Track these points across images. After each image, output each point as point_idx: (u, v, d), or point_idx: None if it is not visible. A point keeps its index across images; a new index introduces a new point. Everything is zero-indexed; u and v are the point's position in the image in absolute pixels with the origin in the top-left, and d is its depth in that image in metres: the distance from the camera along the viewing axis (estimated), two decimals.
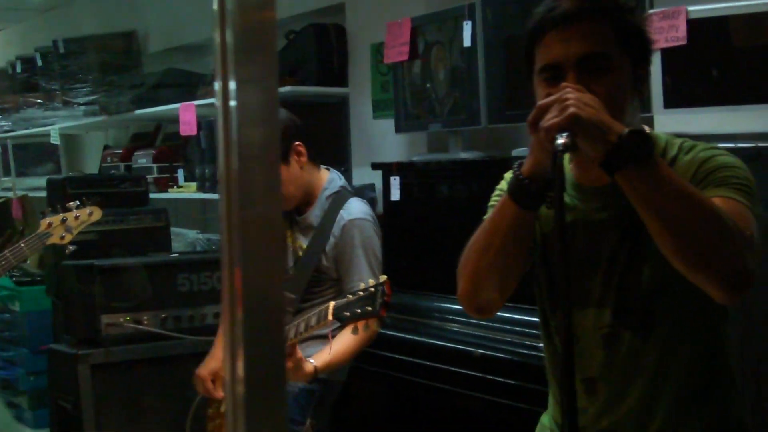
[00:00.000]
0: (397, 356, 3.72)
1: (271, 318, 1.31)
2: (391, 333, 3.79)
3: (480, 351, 3.37)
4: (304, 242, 3.35)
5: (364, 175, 4.71)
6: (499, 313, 3.38)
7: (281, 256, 1.34)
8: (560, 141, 1.75)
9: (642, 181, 1.80)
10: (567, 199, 2.03)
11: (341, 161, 5.01)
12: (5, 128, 8.12)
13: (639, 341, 1.98)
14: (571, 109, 1.77)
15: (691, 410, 2.00)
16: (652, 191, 1.80)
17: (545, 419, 2.24)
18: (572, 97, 1.79)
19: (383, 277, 2.68)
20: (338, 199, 3.34)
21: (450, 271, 2.11)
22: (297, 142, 3.26)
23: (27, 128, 7.84)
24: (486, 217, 2.10)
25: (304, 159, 3.28)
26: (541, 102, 1.84)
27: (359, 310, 2.65)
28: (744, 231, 1.80)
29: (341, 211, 3.30)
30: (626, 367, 2.00)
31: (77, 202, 3.66)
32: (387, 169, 4.20)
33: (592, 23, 1.93)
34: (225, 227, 1.34)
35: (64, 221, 3.53)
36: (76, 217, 3.58)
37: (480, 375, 3.34)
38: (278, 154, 1.34)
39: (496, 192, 2.19)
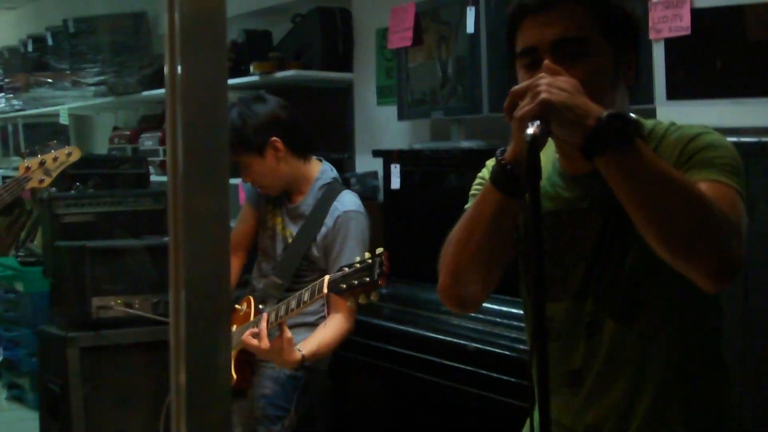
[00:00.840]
0: (394, 348, 3.68)
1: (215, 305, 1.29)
2: (389, 324, 3.75)
3: (474, 345, 3.33)
4: (293, 230, 3.35)
5: (367, 163, 4.67)
6: (500, 307, 3.41)
7: (225, 244, 1.30)
8: (530, 131, 1.68)
9: (623, 167, 1.74)
10: (551, 188, 1.99)
11: (345, 148, 4.98)
12: (16, 107, 8.11)
13: (623, 330, 1.93)
14: (543, 95, 1.71)
15: (676, 402, 1.94)
16: (633, 177, 1.74)
17: (536, 416, 2.18)
18: (544, 82, 1.73)
19: (380, 250, 2.66)
20: (331, 190, 3.34)
21: None
22: (274, 137, 3.26)
23: (37, 108, 7.82)
24: (467, 206, 2.04)
25: (281, 153, 3.28)
26: (514, 88, 1.78)
27: (356, 281, 2.65)
28: (730, 216, 1.76)
29: (335, 202, 3.30)
30: (610, 357, 1.95)
31: (55, 141, 3.55)
32: (387, 157, 4.15)
33: (570, 8, 1.88)
34: (171, 213, 1.30)
35: (42, 164, 3.44)
36: (55, 159, 3.49)
37: (474, 369, 3.30)
38: (225, 142, 1.32)
39: (477, 180, 2.14)
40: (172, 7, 1.25)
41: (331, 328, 3.12)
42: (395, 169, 4.08)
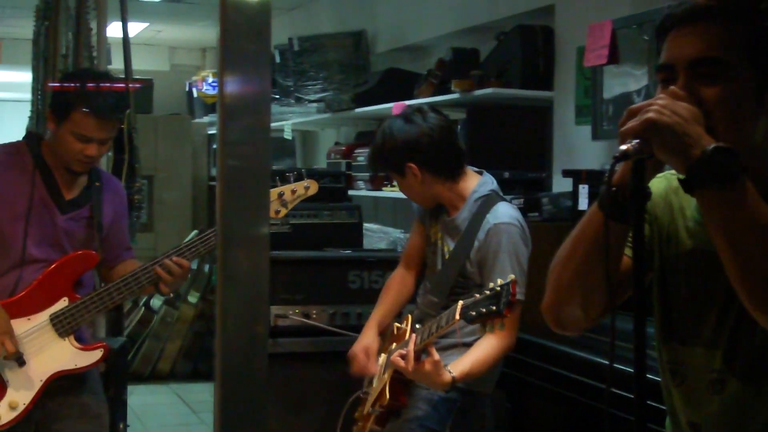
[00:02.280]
0: (575, 375, 3.57)
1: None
2: (570, 350, 3.65)
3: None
4: (450, 244, 3.33)
5: (566, 183, 4.62)
6: None
7: (265, 247, 1.36)
8: (623, 147, 1.63)
9: (721, 205, 1.64)
10: (691, 223, 1.90)
11: (542, 167, 4.95)
12: None
13: (749, 394, 1.81)
14: (650, 114, 1.63)
15: None
16: (730, 218, 1.64)
17: None
18: (660, 103, 1.65)
19: (511, 277, 2.63)
20: (486, 203, 3.28)
21: None
22: (409, 163, 3.27)
23: None
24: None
25: (419, 178, 3.28)
26: (631, 106, 1.71)
27: (484, 309, 2.62)
28: None
29: (487, 215, 3.24)
30: (731, 419, 1.84)
31: (295, 173, 3.59)
32: (576, 177, 4.10)
33: (716, 24, 1.76)
34: (218, 216, 1.36)
35: (280, 195, 3.48)
36: (293, 191, 3.53)
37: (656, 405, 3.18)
38: (265, 148, 1.36)
39: None
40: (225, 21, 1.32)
41: (484, 348, 3.07)
42: (583, 190, 4.02)
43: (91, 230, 3.39)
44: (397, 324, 3.35)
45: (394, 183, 5.82)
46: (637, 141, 1.64)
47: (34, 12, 6.39)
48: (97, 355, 3.35)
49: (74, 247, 3.35)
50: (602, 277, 1.80)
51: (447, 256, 3.32)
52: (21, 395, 3.25)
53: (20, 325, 3.24)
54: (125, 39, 4.92)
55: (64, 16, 5.35)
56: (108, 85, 3.40)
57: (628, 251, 1.85)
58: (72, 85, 3.35)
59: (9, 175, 3.30)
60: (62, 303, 3.29)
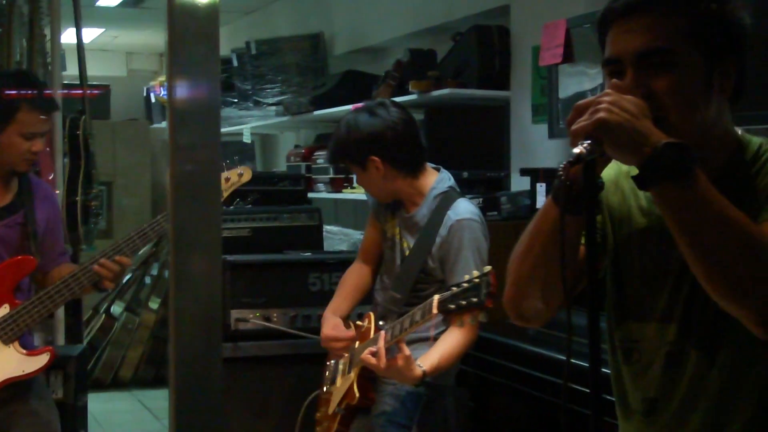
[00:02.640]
0: (536, 373, 3.58)
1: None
2: (532, 348, 3.67)
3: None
4: (410, 241, 3.33)
5: (524, 182, 4.65)
6: None
7: (218, 250, 1.36)
8: (576, 150, 1.64)
9: (676, 201, 1.66)
10: (644, 202, 1.92)
11: (500, 166, 4.97)
12: None
13: (704, 362, 1.84)
14: (601, 114, 1.64)
15: None
16: (686, 212, 1.66)
17: None
18: (607, 100, 1.66)
19: (488, 268, 2.65)
20: (446, 199, 3.30)
21: None
22: (373, 156, 3.26)
23: (224, 127, 8.14)
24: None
25: (381, 171, 3.27)
26: (578, 103, 1.71)
27: (464, 302, 2.65)
28: None
29: (448, 212, 3.25)
30: (689, 390, 1.86)
31: (228, 161, 3.63)
32: (534, 176, 4.13)
33: (657, 14, 1.77)
34: (171, 220, 1.36)
35: None
36: (227, 179, 3.56)
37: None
38: (216, 151, 1.36)
39: None
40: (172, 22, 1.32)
41: (452, 342, 3.10)
42: (541, 188, 4.05)
43: (26, 236, 3.39)
44: (358, 322, 3.37)
45: (355, 185, 5.88)
46: (589, 142, 1.64)
47: None
48: (44, 359, 3.33)
49: (10, 253, 3.34)
50: (560, 267, 1.83)
51: (407, 253, 3.33)
52: None
53: None
54: (80, 45, 4.91)
55: (18, 22, 5.32)
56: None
57: (584, 240, 1.87)
58: (10, 90, 3.35)
59: None
60: (3, 310, 3.28)
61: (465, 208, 3.28)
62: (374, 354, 2.98)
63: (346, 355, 3.33)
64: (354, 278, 3.55)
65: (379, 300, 3.42)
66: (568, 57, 4.21)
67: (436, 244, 3.24)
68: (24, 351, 3.31)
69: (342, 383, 3.29)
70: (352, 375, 3.21)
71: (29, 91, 3.36)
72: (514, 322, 2.04)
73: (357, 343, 3.30)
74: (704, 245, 1.66)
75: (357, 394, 3.16)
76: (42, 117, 3.33)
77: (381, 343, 3.00)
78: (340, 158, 3.44)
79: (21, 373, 3.31)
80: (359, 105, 5.29)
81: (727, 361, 1.82)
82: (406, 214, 3.36)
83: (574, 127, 1.68)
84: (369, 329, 3.27)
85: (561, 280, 1.80)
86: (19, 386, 3.36)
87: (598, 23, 1.86)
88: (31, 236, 3.38)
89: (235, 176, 3.56)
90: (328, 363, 3.49)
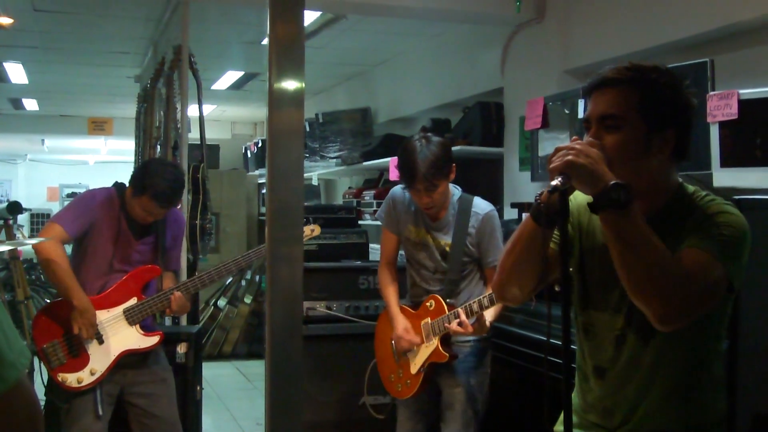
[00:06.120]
0: (521, 348, 3.57)
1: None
2: (517, 330, 3.67)
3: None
4: (444, 238, 3.24)
5: (512, 212, 4.66)
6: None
7: (300, 261, 1.36)
8: (553, 182, 1.66)
9: (615, 224, 1.68)
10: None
11: (497, 201, 4.96)
12: None
13: (640, 345, 1.84)
14: (569, 157, 1.67)
15: (674, 405, 1.84)
16: (620, 233, 1.67)
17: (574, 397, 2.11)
18: (577, 147, 1.68)
19: None
20: (465, 200, 3.25)
21: None
22: (454, 163, 3.16)
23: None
24: None
25: (452, 176, 3.18)
26: (558, 146, 1.73)
27: None
28: (691, 277, 1.65)
29: (473, 208, 3.21)
30: (627, 364, 1.86)
31: (304, 218, 3.62)
32: (521, 208, 4.15)
33: (618, 90, 1.77)
34: (267, 239, 1.36)
35: None
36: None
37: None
38: (300, 192, 1.34)
39: None
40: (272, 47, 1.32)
41: (497, 307, 3.09)
42: (525, 216, 4.05)
43: (156, 251, 3.41)
44: (426, 303, 3.25)
45: None
46: (562, 176, 1.66)
47: (136, 97, 6.47)
48: (155, 339, 3.36)
49: (143, 262, 3.37)
50: (533, 266, 1.86)
51: (448, 249, 3.21)
52: (99, 365, 3.26)
53: (102, 315, 3.28)
54: (201, 116, 4.98)
55: (158, 99, 5.42)
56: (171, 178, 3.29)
57: (553, 245, 1.90)
58: (147, 173, 3.27)
59: (104, 212, 3.33)
60: (132, 301, 3.32)
61: (485, 204, 3.26)
62: (459, 324, 3.01)
63: (422, 326, 3.24)
64: (393, 280, 3.40)
65: (428, 288, 3.28)
66: (545, 124, 4.22)
67: (472, 233, 3.19)
68: (142, 332, 3.33)
69: (423, 350, 3.22)
70: (435, 341, 3.17)
71: (156, 185, 3.23)
72: (498, 301, 2.06)
73: (429, 318, 3.22)
74: (627, 258, 1.67)
75: (446, 354, 3.16)
76: (158, 206, 3.27)
77: (464, 317, 3.01)
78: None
79: (137, 347, 3.33)
80: (395, 159, 5.36)
81: (656, 345, 1.82)
82: (434, 221, 3.24)
83: (549, 165, 1.70)
84: (440, 307, 3.20)
85: (534, 272, 1.86)
86: (144, 355, 3.39)
87: (583, 91, 1.87)
88: (160, 251, 3.41)
89: (309, 231, 3.57)
90: (391, 341, 3.35)
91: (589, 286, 1.93)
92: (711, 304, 1.72)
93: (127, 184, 3.37)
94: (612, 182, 1.66)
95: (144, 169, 3.33)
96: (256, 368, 7.31)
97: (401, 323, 3.26)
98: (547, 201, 1.75)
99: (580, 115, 3.88)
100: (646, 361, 1.84)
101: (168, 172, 3.28)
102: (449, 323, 3.08)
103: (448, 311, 3.14)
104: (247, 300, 7.95)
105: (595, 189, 1.68)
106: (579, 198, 1.94)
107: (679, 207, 1.82)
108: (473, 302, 3.04)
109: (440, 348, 3.17)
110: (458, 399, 3.20)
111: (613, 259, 1.71)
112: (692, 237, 1.73)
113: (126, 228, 3.35)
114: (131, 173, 3.41)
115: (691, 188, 1.86)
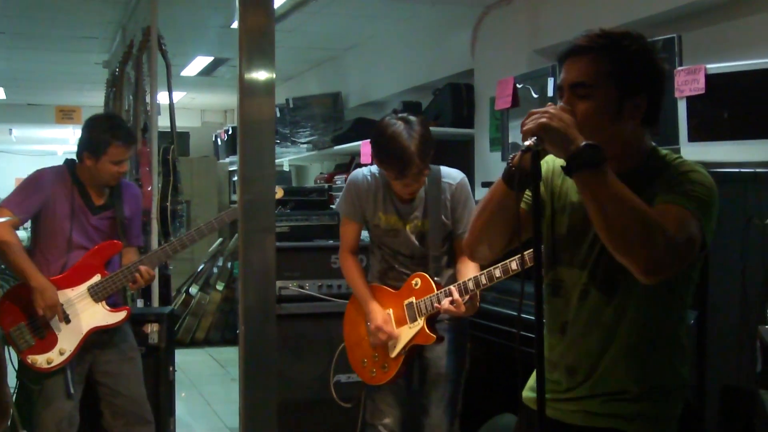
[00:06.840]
0: (493, 324, 3.59)
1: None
2: (490, 307, 3.68)
3: None
4: (421, 217, 3.07)
5: (483, 191, 4.67)
6: None
7: (271, 245, 1.37)
8: (526, 143, 1.67)
9: (590, 184, 1.69)
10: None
11: (468, 181, 4.98)
12: None
13: (602, 300, 1.85)
14: (542, 119, 1.67)
15: (634, 363, 1.85)
16: (596, 192, 1.68)
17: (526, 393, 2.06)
18: (550, 111, 1.69)
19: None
20: (433, 171, 3.05)
21: None
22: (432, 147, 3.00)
23: None
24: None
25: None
26: (531, 110, 1.73)
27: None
28: (668, 230, 1.66)
29: (443, 179, 3.05)
30: (589, 318, 1.87)
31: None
32: (490, 186, 4.14)
33: (589, 58, 1.78)
34: (240, 229, 1.35)
35: None
36: None
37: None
38: (271, 178, 1.34)
39: None
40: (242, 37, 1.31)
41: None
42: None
43: (114, 226, 3.39)
44: (411, 281, 3.05)
45: None
46: (535, 138, 1.67)
47: (105, 82, 6.39)
48: (122, 315, 3.34)
49: (102, 238, 3.35)
50: (503, 227, 1.87)
51: (426, 227, 3.05)
52: (67, 344, 3.24)
53: (67, 294, 3.25)
54: (170, 97, 4.93)
55: (126, 83, 5.36)
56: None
57: (524, 205, 1.90)
58: (103, 130, 3.30)
59: (56, 189, 3.31)
60: (96, 278, 3.30)
61: (455, 172, 3.09)
62: (451, 302, 2.85)
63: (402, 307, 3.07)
64: (358, 267, 3.20)
65: (403, 270, 3.11)
66: (515, 103, 4.23)
67: (447, 206, 3.04)
68: (108, 308, 3.31)
69: (406, 331, 3.03)
70: (421, 322, 2.99)
71: (116, 130, 3.30)
72: (469, 259, 2.06)
73: (413, 298, 3.03)
74: (607, 215, 1.68)
75: (433, 335, 2.99)
76: (125, 149, 3.30)
77: (457, 296, 2.85)
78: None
79: (105, 324, 3.31)
80: (366, 142, 5.34)
81: (619, 302, 1.84)
82: (403, 204, 3.06)
83: (524, 127, 1.70)
84: (427, 285, 3.00)
85: (503, 233, 1.88)
86: (111, 333, 3.37)
87: (558, 58, 1.87)
88: (119, 226, 3.38)
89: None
90: (366, 323, 3.13)
91: (557, 243, 1.95)
92: (690, 257, 1.73)
93: (80, 157, 3.34)
94: (584, 143, 1.67)
95: (89, 130, 3.33)
96: (229, 354, 7.29)
97: (379, 314, 3.05)
98: (519, 163, 1.75)
99: (550, 93, 3.89)
100: (607, 316, 1.85)
101: (108, 116, 3.41)
102: (439, 302, 2.92)
103: (437, 290, 2.96)
104: (219, 287, 7.91)
105: (567, 151, 1.69)
106: (550, 162, 1.95)
107: (652, 167, 1.84)
108: (468, 280, 2.87)
109: (426, 329, 2.98)
110: (443, 376, 3.11)
111: (592, 220, 1.72)
112: (667, 193, 1.75)
113: (81, 203, 3.33)
114: (77, 146, 3.37)
115: (663, 151, 1.88)
